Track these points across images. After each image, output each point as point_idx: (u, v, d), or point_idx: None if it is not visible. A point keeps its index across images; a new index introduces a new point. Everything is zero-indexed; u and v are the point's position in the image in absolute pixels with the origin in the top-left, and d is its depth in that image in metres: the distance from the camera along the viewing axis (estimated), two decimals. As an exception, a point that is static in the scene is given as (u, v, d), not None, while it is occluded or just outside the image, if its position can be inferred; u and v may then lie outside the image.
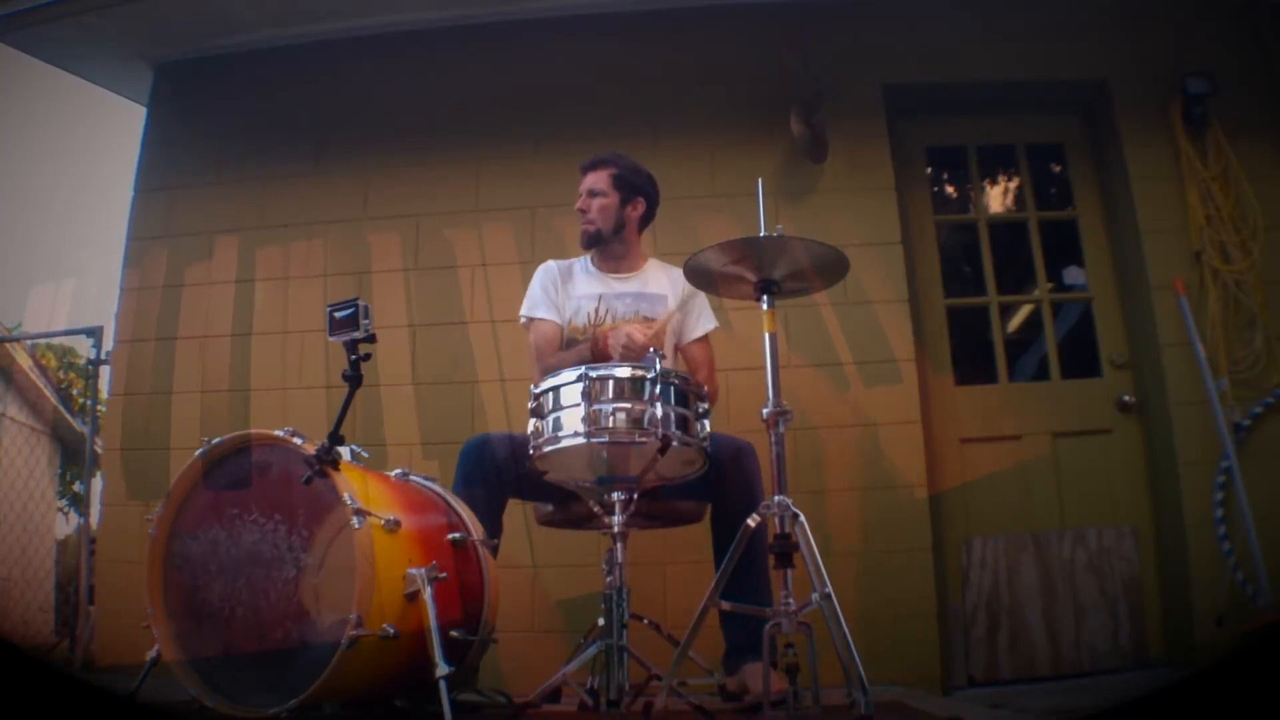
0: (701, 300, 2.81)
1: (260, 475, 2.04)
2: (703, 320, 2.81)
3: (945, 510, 3.39)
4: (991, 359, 3.66)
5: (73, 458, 9.21)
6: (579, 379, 2.07)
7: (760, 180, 2.31)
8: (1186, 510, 3.23)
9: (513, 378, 3.42)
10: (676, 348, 2.79)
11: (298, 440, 2.01)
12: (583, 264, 2.84)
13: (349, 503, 1.90)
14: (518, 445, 2.39)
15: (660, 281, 2.80)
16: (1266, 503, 3.11)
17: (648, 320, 2.68)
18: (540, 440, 2.11)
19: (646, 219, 2.85)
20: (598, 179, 2.76)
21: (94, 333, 3.75)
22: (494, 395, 3.45)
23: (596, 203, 2.74)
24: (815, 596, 1.97)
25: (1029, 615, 3.36)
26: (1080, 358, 3.66)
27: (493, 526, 2.41)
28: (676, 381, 2.11)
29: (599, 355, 2.48)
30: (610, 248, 2.79)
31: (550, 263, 2.84)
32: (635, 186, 2.78)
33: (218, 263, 3.72)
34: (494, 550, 2.33)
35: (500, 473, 2.43)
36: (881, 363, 3.38)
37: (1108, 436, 3.51)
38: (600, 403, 2.05)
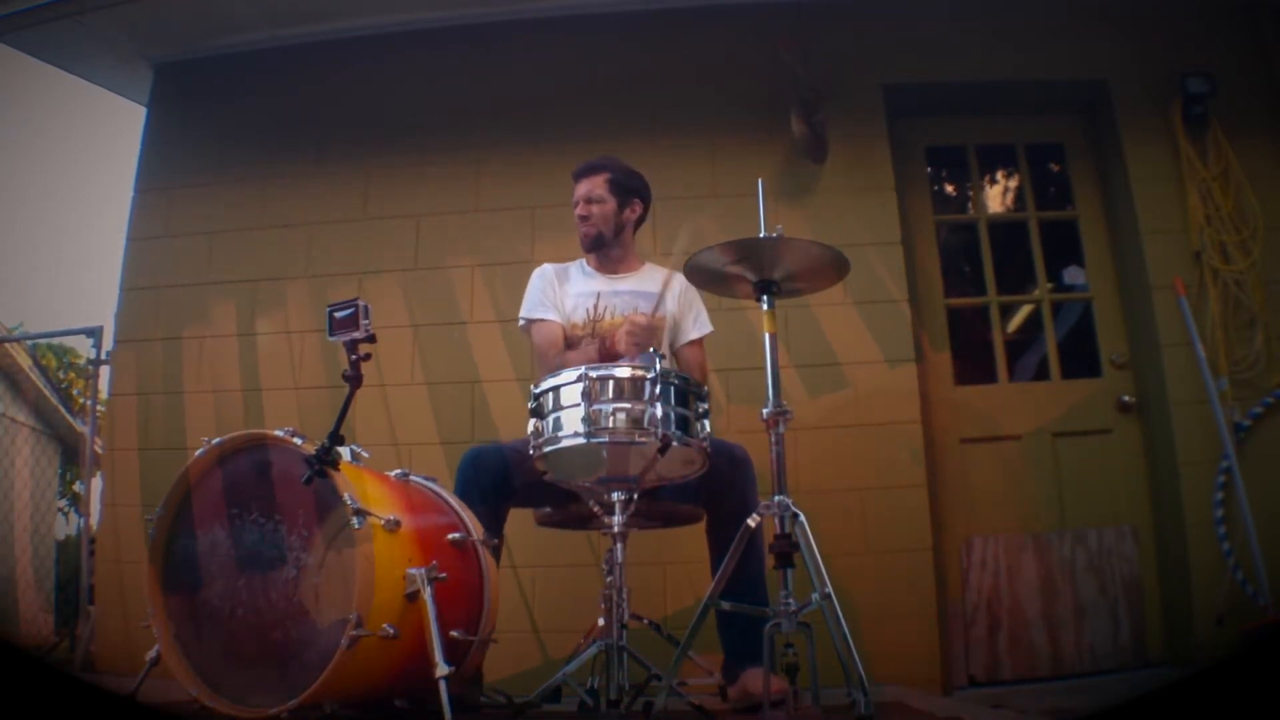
0: (698, 304, 2.83)
1: (260, 475, 2.04)
2: (698, 324, 2.82)
3: (945, 510, 3.39)
4: (991, 359, 3.66)
5: (73, 458, 9.22)
6: (579, 379, 2.07)
7: (760, 180, 2.31)
8: (1186, 510, 3.23)
9: (513, 378, 3.42)
10: (671, 349, 2.79)
11: (297, 440, 2.01)
12: (579, 266, 2.85)
13: (349, 503, 1.90)
14: (513, 455, 2.39)
15: (656, 282, 2.80)
16: (1266, 503, 3.12)
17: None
18: (540, 440, 2.11)
19: (641, 220, 2.87)
20: (593, 185, 2.77)
21: (94, 333, 3.75)
22: (494, 395, 3.45)
23: (596, 209, 2.76)
24: (815, 596, 1.97)
25: (1029, 615, 3.36)
26: (1080, 358, 3.66)
27: (494, 536, 2.41)
28: (676, 381, 2.11)
29: (606, 354, 2.48)
30: (609, 251, 2.80)
31: (546, 266, 2.84)
32: (630, 189, 2.81)
33: (217, 263, 3.72)
34: (495, 551, 2.33)
35: (497, 487, 2.43)
36: (881, 363, 3.38)
37: (1108, 436, 3.51)
38: (600, 403, 2.05)
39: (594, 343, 2.59)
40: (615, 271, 2.82)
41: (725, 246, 2.15)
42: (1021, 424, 3.54)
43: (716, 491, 2.44)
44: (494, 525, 2.43)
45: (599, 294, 2.74)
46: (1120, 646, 3.31)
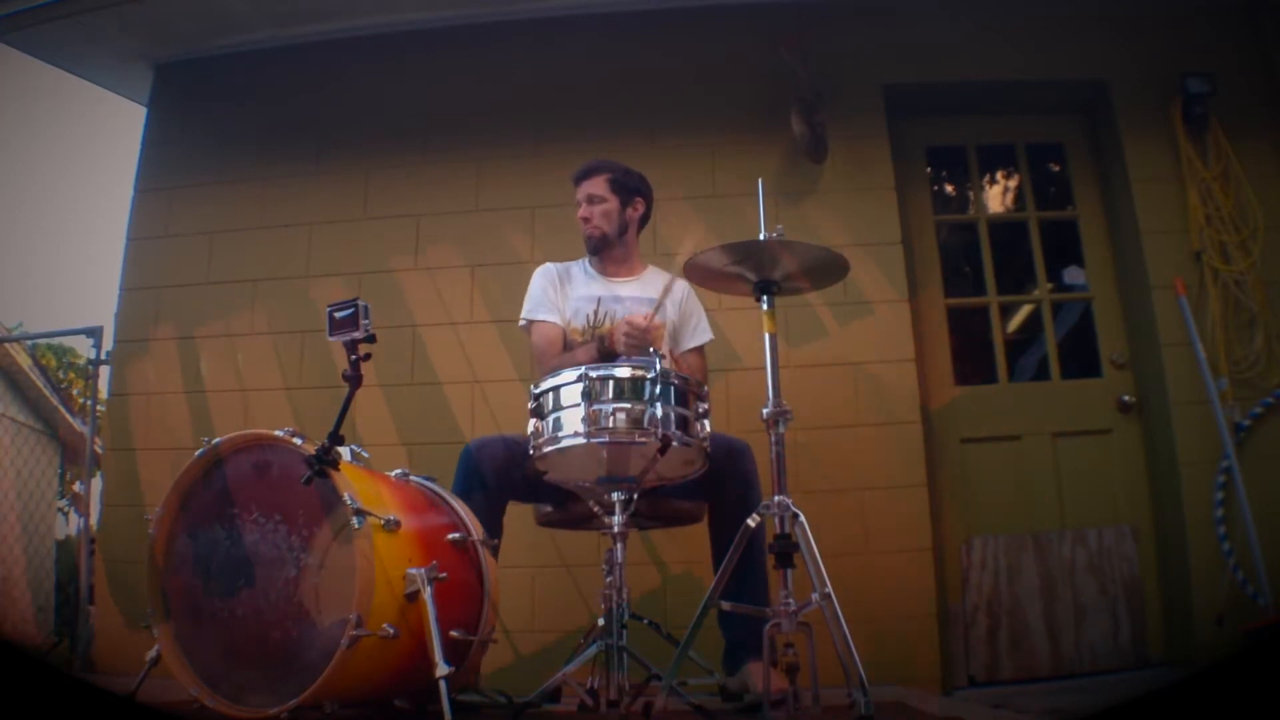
0: (698, 312, 2.83)
1: (260, 475, 2.04)
2: (699, 332, 2.82)
3: (945, 510, 3.39)
4: (991, 359, 3.66)
5: (73, 458, 9.22)
6: (579, 379, 2.07)
7: (760, 180, 2.31)
8: (1186, 510, 3.22)
9: (513, 378, 3.42)
10: (671, 355, 2.79)
11: (298, 440, 2.01)
12: (581, 266, 2.85)
13: (349, 503, 1.90)
14: (516, 448, 2.39)
15: (659, 287, 2.79)
16: (1266, 502, 3.11)
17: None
18: (540, 440, 2.11)
19: (645, 220, 2.86)
20: (594, 185, 2.77)
21: (94, 333, 3.74)
22: (494, 395, 3.45)
23: (598, 209, 2.76)
24: (815, 596, 1.97)
25: (1029, 615, 3.36)
26: (1080, 358, 3.66)
27: (493, 528, 2.41)
28: (676, 382, 2.11)
29: (605, 353, 2.48)
30: (612, 251, 2.80)
31: (549, 265, 2.84)
32: (631, 189, 2.81)
33: (217, 263, 3.72)
34: (495, 550, 2.33)
35: (499, 476, 2.43)
36: (881, 362, 3.38)
37: (1108, 436, 3.51)
38: (600, 403, 2.05)
39: (593, 343, 2.59)
40: (617, 274, 2.81)
41: (725, 247, 2.16)
42: (1021, 424, 3.54)
43: (718, 485, 2.43)
44: (494, 516, 2.43)
45: (599, 299, 2.74)
46: (1120, 646, 3.31)
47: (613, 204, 2.77)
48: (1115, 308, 3.63)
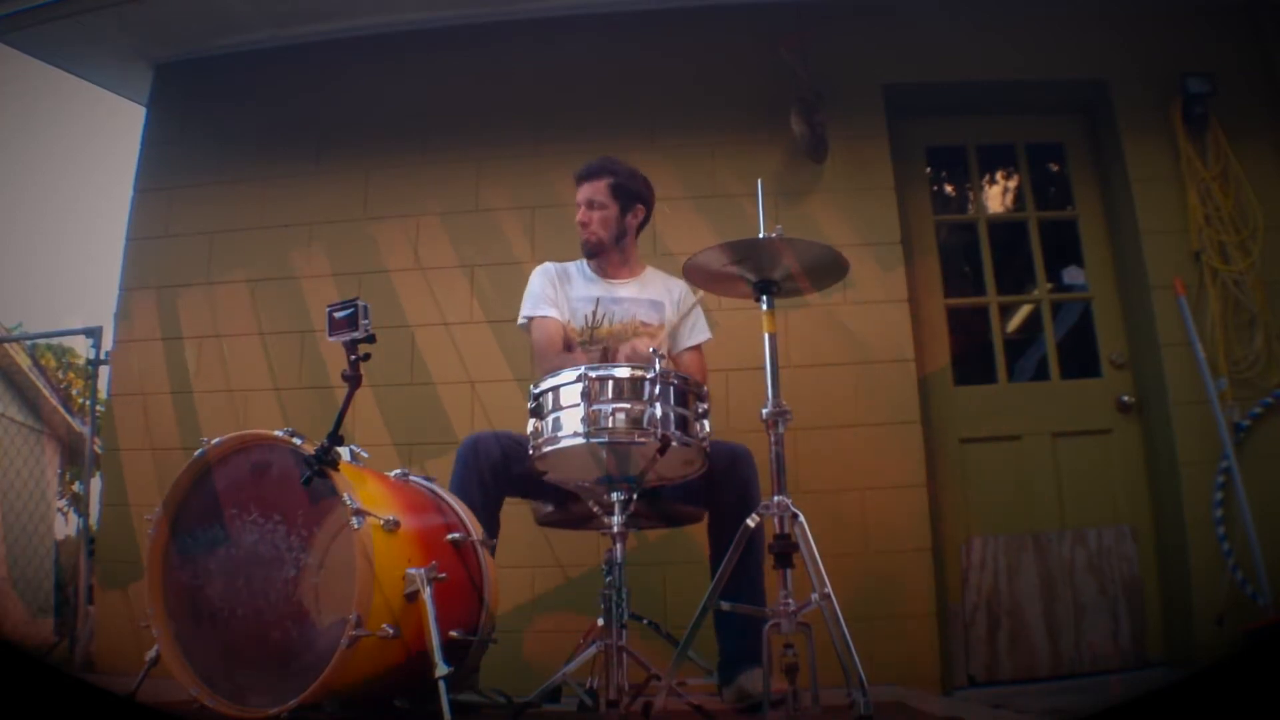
0: (697, 310, 2.83)
1: (260, 475, 2.04)
2: (696, 331, 2.82)
3: (945, 510, 3.39)
4: (991, 359, 3.66)
5: (73, 458, 9.23)
6: (578, 379, 2.07)
7: (760, 180, 2.31)
8: (1186, 510, 3.23)
9: (513, 378, 3.42)
10: (669, 354, 2.78)
11: (297, 440, 2.01)
12: (579, 267, 2.85)
13: (348, 503, 1.90)
14: (514, 443, 2.39)
15: (658, 289, 2.80)
16: (1266, 502, 3.12)
17: (645, 325, 2.70)
18: (540, 440, 2.11)
19: (644, 224, 2.86)
20: (595, 189, 2.75)
21: (94, 333, 3.75)
22: (494, 395, 3.45)
23: (597, 215, 2.75)
24: (815, 596, 1.97)
25: (1029, 615, 3.36)
26: (1080, 358, 3.66)
27: (490, 525, 2.41)
28: (676, 382, 2.11)
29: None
30: (610, 256, 2.80)
31: (548, 264, 2.84)
32: (633, 194, 2.79)
33: (217, 263, 3.72)
34: (492, 550, 2.33)
35: (496, 472, 2.43)
36: (881, 363, 3.38)
37: (1108, 436, 3.51)
38: (600, 403, 2.05)
39: (596, 352, 2.59)
40: (616, 276, 2.81)
41: (725, 247, 2.16)
42: (1021, 424, 3.54)
43: (717, 490, 2.43)
44: (492, 513, 2.43)
45: (598, 300, 2.73)
46: (1120, 646, 3.31)
47: (612, 210, 2.75)
48: (1115, 308, 3.63)
